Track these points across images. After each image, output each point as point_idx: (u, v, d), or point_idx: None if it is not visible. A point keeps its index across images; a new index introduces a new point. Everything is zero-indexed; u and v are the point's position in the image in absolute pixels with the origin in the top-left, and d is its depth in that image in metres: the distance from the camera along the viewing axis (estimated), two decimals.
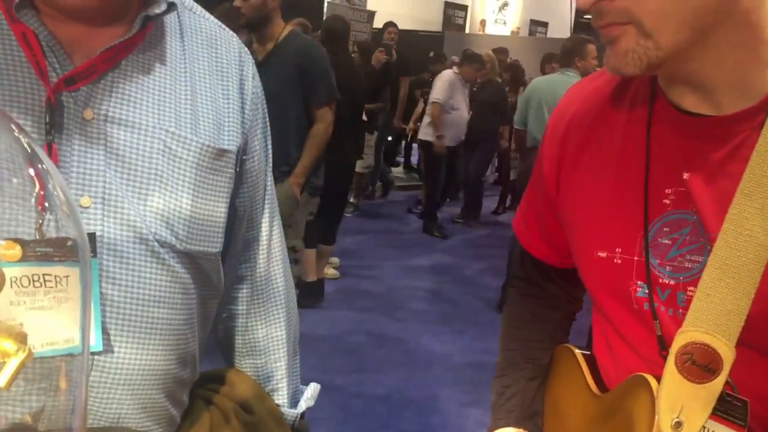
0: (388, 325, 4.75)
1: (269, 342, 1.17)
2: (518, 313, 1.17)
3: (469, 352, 4.29)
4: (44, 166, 0.67)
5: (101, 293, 0.91)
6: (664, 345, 0.87)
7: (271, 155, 1.18)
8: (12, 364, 0.47)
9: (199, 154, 0.99)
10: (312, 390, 1.24)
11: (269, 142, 1.16)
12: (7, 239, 0.84)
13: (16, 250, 0.82)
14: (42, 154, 0.68)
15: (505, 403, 1.07)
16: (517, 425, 1.05)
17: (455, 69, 7.32)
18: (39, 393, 0.88)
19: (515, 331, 1.16)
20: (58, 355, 0.85)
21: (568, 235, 1.03)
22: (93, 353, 0.91)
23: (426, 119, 7.29)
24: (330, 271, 5.47)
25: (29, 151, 0.69)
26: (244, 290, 1.16)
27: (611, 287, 0.94)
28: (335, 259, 5.65)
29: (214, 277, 1.06)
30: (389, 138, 9.12)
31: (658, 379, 0.84)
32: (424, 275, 6.00)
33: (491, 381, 1.16)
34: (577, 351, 1.07)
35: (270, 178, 1.17)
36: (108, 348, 0.92)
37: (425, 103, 7.85)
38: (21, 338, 0.49)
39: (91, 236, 0.91)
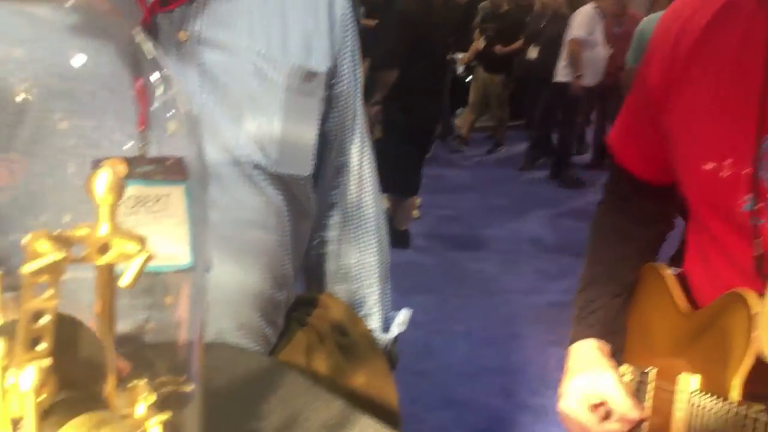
0: (469, 264, 4.74)
1: (362, 268, 1.17)
2: (607, 229, 1.13)
3: (551, 291, 4.24)
4: (163, 72, 0.66)
5: (195, 213, 0.92)
6: (763, 260, 0.83)
7: (360, 80, 1.15)
8: (135, 264, 0.47)
9: (289, 77, 0.98)
10: (403, 315, 1.23)
11: (359, 66, 1.13)
12: (111, 158, 0.86)
13: (120, 168, 0.84)
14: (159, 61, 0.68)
15: (587, 317, 1.04)
16: (599, 338, 1.03)
17: (594, 2, 6.61)
18: (143, 308, 0.90)
19: (603, 246, 1.12)
20: (164, 271, 0.89)
21: (672, 145, 0.97)
22: (187, 270, 0.91)
23: (562, 60, 6.68)
24: (414, 212, 5.47)
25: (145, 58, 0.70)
26: (336, 216, 1.15)
27: (716, 201, 0.90)
28: (418, 199, 5.65)
29: (305, 201, 1.06)
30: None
31: (757, 297, 0.81)
32: (507, 214, 5.94)
33: (575, 296, 1.12)
34: (666, 270, 1.03)
35: (360, 104, 1.14)
36: (201, 266, 0.92)
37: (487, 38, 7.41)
38: (141, 240, 0.49)
39: (179, 160, 0.90)
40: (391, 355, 1.20)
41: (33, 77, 0.84)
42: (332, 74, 1.05)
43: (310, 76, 1.00)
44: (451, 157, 7.95)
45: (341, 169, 1.14)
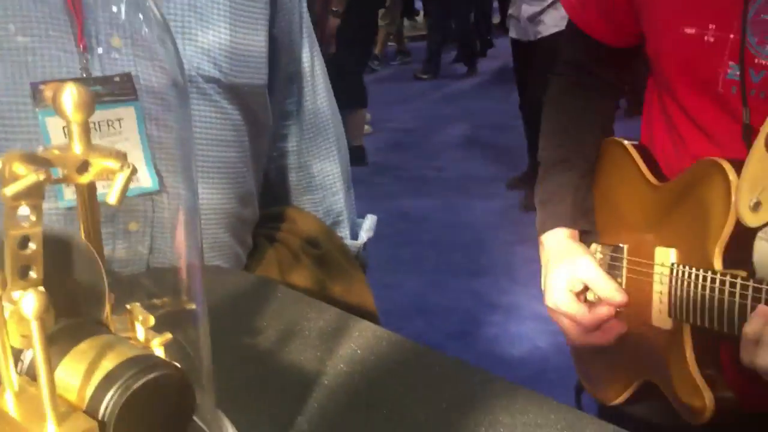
0: (424, 170, 4.76)
1: (325, 177, 1.15)
2: (566, 106, 1.08)
3: (511, 195, 4.28)
4: None
5: (147, 135, 0.86)
6: (750, 129, 0.82)
7: None
8: (119, 180, 0.45)
9: None
10: (370, 221, 1.23)
11: None
12: (49, 81, 0.80)
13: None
14: None
15: (556, 204, 1.01)
16: (571, 225, 1.01)
17: None
18: (106, 237, 0.87)
19: (563, 125, 1.07)
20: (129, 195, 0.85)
21: (644, 8, 0.93)
22: (150, 193, 0.88)
23: None
24: (366, 127, 5.42)
25: None
26: (293, 126, 1.13)
27: (696, 68, 0.87)
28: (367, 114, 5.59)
29: (262, 113, 1.03)
30: None
31: (733, 163, 0.80)
32: (454, 107, 5.94)
33: (537, 180, 1.08)
34: (627, 142, 1.01)
35: (304, 7, 1.11)
36: (164, 188, 0.88)
37: None
38: (121, 156, 0.46)
39: (127, 77, 0.83)
40: (361, 262, 1.20)
41: None
42: None
43: None
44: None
45: (293, 76, 1.10)
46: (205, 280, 0.80)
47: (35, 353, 0.37)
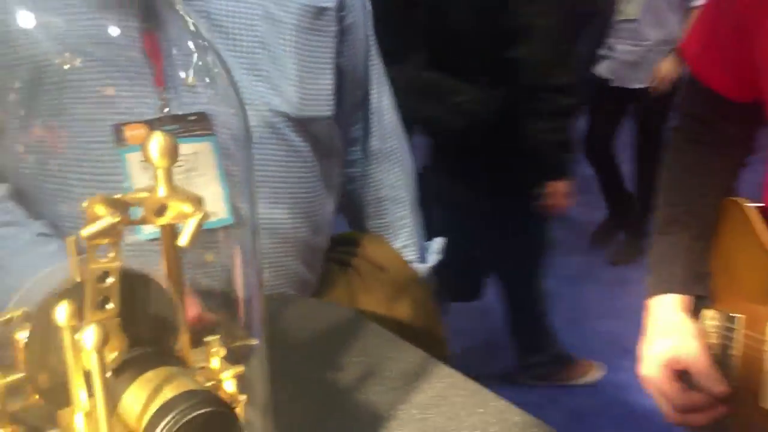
0: None
1: (391, 201, 1.17)
2: (684, 162, 1.02)
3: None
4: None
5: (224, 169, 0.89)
6: None
7: (370, 10, 1.13)
8: (191, 224, 0.48)
9: (300, 16, 0.96)
10: (437, 244, 1.23)
11: None
12: (130, 122, 0.84)
13: (142, 131, 0.84)
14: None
15: (667, 266, 0.96)
16: (682, 290, 0.95)
17: None
18: (186, 267, 0.91)
19: (680, 182, 1.02)
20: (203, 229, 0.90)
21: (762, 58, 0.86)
22: (226, 226, 0.93)
23: None
24: None
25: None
26: (360, 152, 1.15)
27: None
28: None
29: (329, 142, 1.05)
30: None
31: None
32: None
33: (651, 241, 1.02)
34: (746, 203, 0.94)
35: (372, 36, 1.13)
36: (237, 221, 0.92)
37: None
38: (197, 201, 0.50)
39: (203, 114, 0.87)
40: (429, 285, 1.19)
41: (63, 46, 0.85)
42: (341, 7, 1.03)
43: (319, 12, 0.98)
44: None
45: (360, 103, 1.12)
46: (300, 313, 0.84)
47: (94, 382, 0.40)
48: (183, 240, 0.48)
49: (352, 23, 1.05)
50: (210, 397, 0.45)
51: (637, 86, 3.33)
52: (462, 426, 0.64)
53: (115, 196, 0.46)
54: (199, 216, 0.48)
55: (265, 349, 0.55)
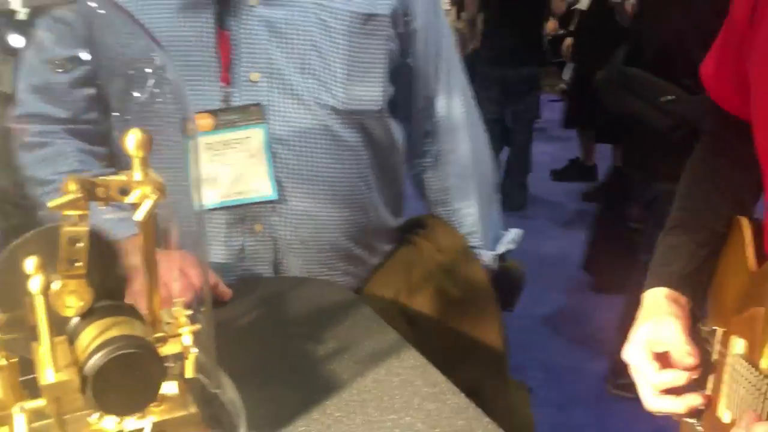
0: None
1: (458, 190, 1.25)
2: (701, 171, 1.04)
3: None
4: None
5: (273, 152, 1.06)
6: None
7: (442, 15, 1.22)
8: (146, 204, 0.60)
9: (349, 22, 1.07)
10: (513, 234, 1.30)
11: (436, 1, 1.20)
12: (199, 111, 1.03)
13: (208, 121, 1.04)
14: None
15: (666, 265, 0.98)
16: (675, 286, 0.95)
17: None
18: (237, 235, 1.07)
19: (695, 190, 1.03)
20: (250, 203, 1.06)
21: (754, 76, 0.87)
22: (271, 201, 1.07)
23: None
24: None
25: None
26: (429, 145, 1.24)
27: None
28: None
29: (381, 132, 1.15)
30: None
31: None
32: None
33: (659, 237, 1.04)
34: (744, 219, 0.95)
35: (447, 39, 1.21)
36: (282, 197, 1.07)
37: None
38: (157, 186, 0.61)
39: (258, 106, 1.05)
40: (509, 271, 1.28)
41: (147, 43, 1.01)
42: (404, 12, 1.12)
43: (368, 18, 1.08)
44: None
45: (430, 99, 1.22)
46: (304, 293, 0.95)
47: (39, 318, 0.52)
48: (138, 216, 0.59)
49: (418, 27, 1.15)
50: (139, 342, 0.56)
51: None
52: (403, 404, 0.73)
53: (85, 178, 0.57)
54: (153, 198, 0.59)
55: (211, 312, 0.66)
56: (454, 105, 1.22)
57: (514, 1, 4.16)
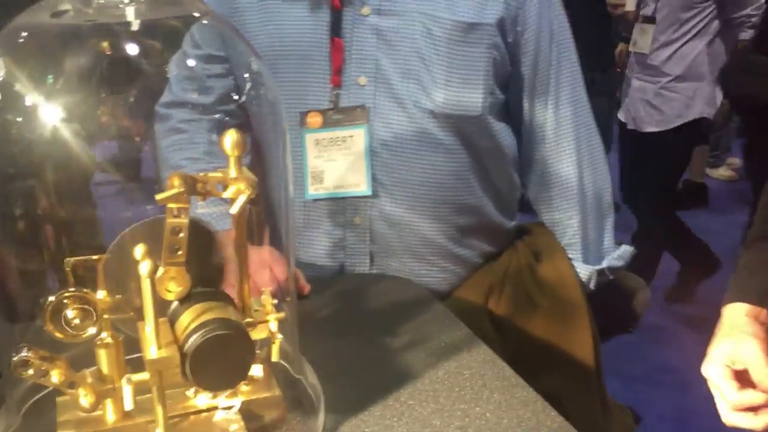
0: None
1: (560, 201, 1.26)
2: None
3: None
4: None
5: (372, 151, 1.12)
6: None
7: (561, 24, 1.22)
8: (240, 199, 0.65)
9: (452, 31, 1.10)
10: (621, 251, 1.29)
11: (557, 13, 1.21)
12: (310, 110, 1.12)
13: (318, 119, 1.13)
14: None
15: (747, 278, 0.99)
16: (755, 301, 0.96)
17: None
18: (338, 226, 1.14)
19: None
20: (349, 196, 1.14)
21: None
22: (368, 197, 1.13)
23: None
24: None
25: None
26: (537, 153, 1.25)
27: None
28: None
29: (481, 136, 1.17)
30: None
31: None
32: None
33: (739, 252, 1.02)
34: None
35: (564, 49, 1.22)
36: (379, 194, 1.13)
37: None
38: (251, 183, 0.66)
39: (363, 108, 1.12)
40: (590, 286, 1.26)
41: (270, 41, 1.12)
42: (513, 22, 1.15)
43: (471, 27, 1.11)
44: None
45: (539, 109, 1.23)
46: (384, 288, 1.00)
47: (145, 300, 0.58)
48: (233, 210, 0.65)
49: (529, 37, 1.17)
50: (233, 324, 0.61)
51: None
52: (473, 396, 0.76)
53: (188, 174, 0.63)
54: (247, 194, 0.65)
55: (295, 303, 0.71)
56: (563, 116, 1.23)
57: (580, 7, 4.11)
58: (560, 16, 1.22)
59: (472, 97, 1.13)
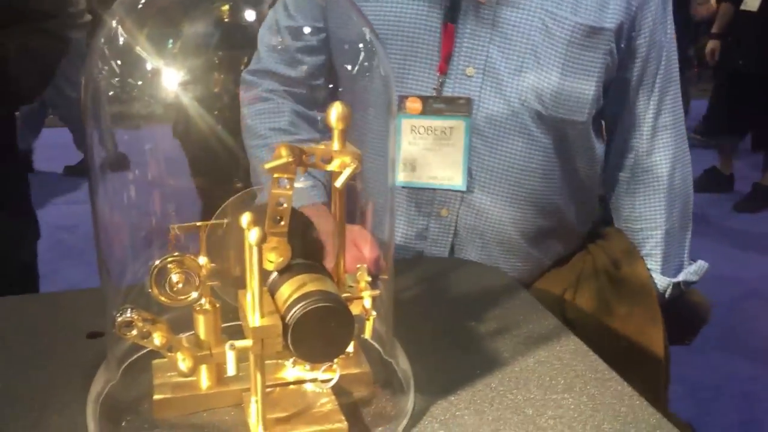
0: None
1: (647, 211, 1.22)
2: None
3: None
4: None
5: (471, 145, 1.10)
6: None
7: (669, 28, 1.17)
8: (346, 172, 0.65)
9: (572, 32, 1.06)
10: (697, 266, 1.25)
11: (669, 16, 1.16)
12: (412, 95, 1.10)
13: (418, 105, 1.10)
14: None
15: None
16: None
17: None
18: (423, 216, 1.12)
19: None
20: (440, 188, 1.12)
21: None
22: (458, 191, 1.11)
23: None
24: None
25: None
26: (627, 161, 1.21)
27: None
28: None
29: (580, 142, 1.14)
30: None
31: None
32: None
33: None
34: None
35: (670, 55, 1.17)
36: (471, 188, 1.11)
37: None
38: (356, 157, 0.66)
39: (468, 100, 1.09)
40: (669, 301, 1.23)
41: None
42: (630, 27, 1.11)
43: (594, 31, 1.07)
44: None
45: (637, 118, 1.19)
46: (466, 274, 0.99)
47: (251, 268, 0.58)
48: (338, 183, 0.64)
49: (642, 42, 1.13)
50: (334, 297, 0.61)
51: None
52: (565, 386, 0.74)
53: (294, 145, 0.63)
54: (352, 167, 0.64)
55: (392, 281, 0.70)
56: (663, 123, 1.19)
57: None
58: (670, 19, 1.18)
59: (582, 103, 1.10)
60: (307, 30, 1.12)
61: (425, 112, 1.11)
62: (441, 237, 1.15)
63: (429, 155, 1.12)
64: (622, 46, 1.11)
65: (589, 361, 0.79)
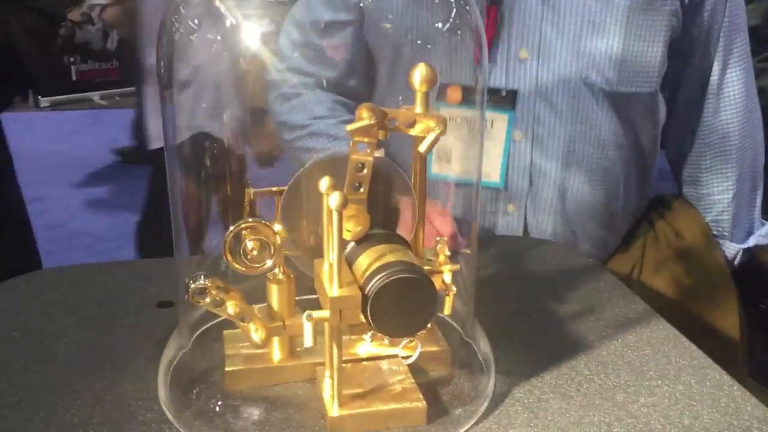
0: None
1: (715, 171, 1.15)
2: None
3: None
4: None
5: (534, 134, 1.04)
6: None
7: None
8: (430, 137, 0.60)
9: None
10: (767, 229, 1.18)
11: None
12: (453, 84, 1.00)
13: (458, 94, 1.00)
14: None
15: None
16: None
17: None
18: (490, 213, 1.09)
19: None
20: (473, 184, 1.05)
21: None
22: (493, 188, 1.06)
23: None
24: None
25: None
26: (696, 117, 1.14)
27: None
28: None
29: (645, 115, 1.07)
30: None
31: None
32: None
33: None
34: None
35: (736, 6, 1.09)
36: (535, 180, 1.06)
37: None
38: (441, 121, 0.62)
39: (510, 93, 1.02)
40: (734, 264, 1.17)
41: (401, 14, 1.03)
42: None
43: None
44: None
45: (705, 70, 1.11)
46: (548, 255, 0.94)
47: (330, 235, 0.55)
48: (422, 147, 0.60)
49: None
50: (417, 269, 0.57)
51: None
52: (658, 373, 0.69)
53: (376, 107, 0.59)
54: (437, 131, 0.60)
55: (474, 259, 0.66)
56: (732, 78, 1.11)
57: None
58: None
59: (649, 72, 1.03)
60: (333, 25, 1.06)
61: (465, 102, 1.05)
62: (510, 233, 1.10)
63: (466, 148, 1.06)
64: (686, 2, 1.03)
65: (682, 348, 0.74)
